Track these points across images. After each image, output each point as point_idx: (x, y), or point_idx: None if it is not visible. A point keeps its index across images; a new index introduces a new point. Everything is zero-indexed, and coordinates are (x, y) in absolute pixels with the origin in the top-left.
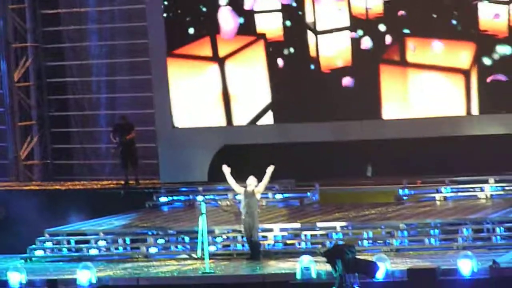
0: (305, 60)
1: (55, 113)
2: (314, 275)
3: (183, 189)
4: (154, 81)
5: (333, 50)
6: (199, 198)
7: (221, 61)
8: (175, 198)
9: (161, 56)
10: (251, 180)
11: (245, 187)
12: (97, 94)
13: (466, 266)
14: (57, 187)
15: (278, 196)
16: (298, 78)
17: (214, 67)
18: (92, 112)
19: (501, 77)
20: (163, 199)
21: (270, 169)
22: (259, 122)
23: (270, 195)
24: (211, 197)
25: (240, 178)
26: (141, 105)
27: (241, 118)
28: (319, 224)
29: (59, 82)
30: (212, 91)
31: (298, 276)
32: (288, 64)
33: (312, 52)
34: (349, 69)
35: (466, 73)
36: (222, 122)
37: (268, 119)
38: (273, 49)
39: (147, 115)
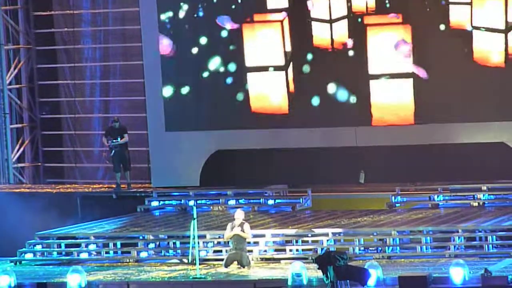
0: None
1: (47, 116)
2: (305, 282)
3: (175, 193)
4: (147, 85)
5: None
6: (191, 203)
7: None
8: (166, 202)
9: (155, 59)
10: (239, 214)
11: (233, 220)
12: (90, 97)
13: (458, 274)
14: (48, 190)
15: (270, 202)
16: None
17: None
18: (84, 115)
19: None
20: (154, 203)
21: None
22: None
23: (262, 200)
24: (203, 202)
25: (232, 183)
26: (133, 109)
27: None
28: (311, 231)
29: (52, 84)
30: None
31: (289, 283)
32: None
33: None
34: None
35: None
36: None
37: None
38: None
39: (140, 119)
